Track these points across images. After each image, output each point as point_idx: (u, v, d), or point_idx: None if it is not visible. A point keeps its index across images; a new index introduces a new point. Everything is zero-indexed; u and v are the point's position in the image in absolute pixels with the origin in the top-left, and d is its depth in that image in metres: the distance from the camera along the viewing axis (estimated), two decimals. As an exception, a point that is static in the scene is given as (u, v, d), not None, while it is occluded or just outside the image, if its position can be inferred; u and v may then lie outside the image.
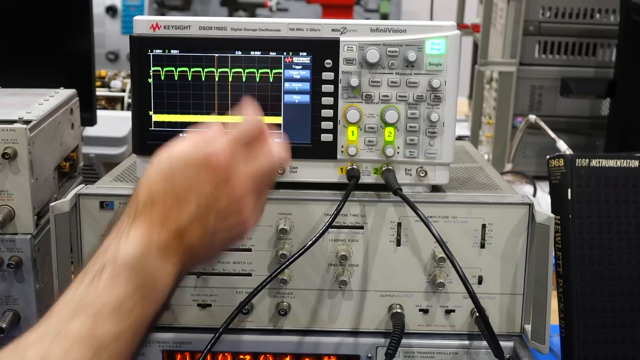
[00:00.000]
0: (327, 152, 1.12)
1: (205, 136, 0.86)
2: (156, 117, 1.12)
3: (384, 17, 4.62)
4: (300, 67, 1.10)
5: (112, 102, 2.30)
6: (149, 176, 0.84)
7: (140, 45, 1.10)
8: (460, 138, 2.04)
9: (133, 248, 0.77)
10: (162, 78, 1.11)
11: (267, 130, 0.92)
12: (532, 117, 1.93)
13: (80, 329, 0.71)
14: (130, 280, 0.75)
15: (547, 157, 1.24)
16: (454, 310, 1.15)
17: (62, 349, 0.70)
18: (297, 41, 1.10)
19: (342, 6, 4.55)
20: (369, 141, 1.12)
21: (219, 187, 0.83)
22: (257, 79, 1.11)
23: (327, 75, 1.10)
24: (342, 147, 1.12)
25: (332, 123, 1.11)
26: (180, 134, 1.12)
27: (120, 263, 0.76)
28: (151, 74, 1.10)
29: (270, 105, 1.11)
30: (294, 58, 1.10)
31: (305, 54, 1.10)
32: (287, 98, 1.11)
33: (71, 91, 1.41)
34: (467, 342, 1.14)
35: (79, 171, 1.45)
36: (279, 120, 1.12)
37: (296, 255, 1.04)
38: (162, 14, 4.23)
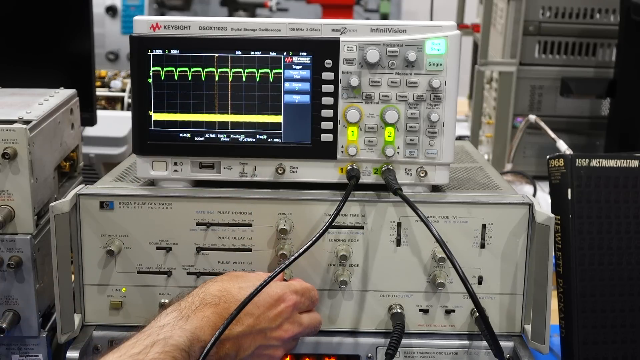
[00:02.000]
0: (327, 152, 1.12)
1: (286, 282, 1.07)
2: (156, 117, 1.12)
3: (384, 17, 4.62)
4: (300, 67, 1.10)
5: (112, 102, 2.30)
6: (221, 282, 1.01)
7: (140, 45, 1.10)
8: (460, 138, 2.04)
9: (184, 338, 0.90)
10: (162, 78, 1.11)
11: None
12: (532, 117, 1.93)
13: None
14: None
15: (547, 157, 1.24)
16: (454, 310, 1.15)
17: None
18: (297, 41, 1.10)
19: (342, 6, 4.54)
20: (369, 141, 1.12)
21: (278, 320, 1.01)
22: (257, 79, 1.11)
23: (327, 75, 1.10)
24: (342, 147, 1.12)
25: (332, 123, 1.11)
26: (180, 135, 1.12)
27: (170, 345, 0.88)
28: (151, 74, 1.10)
29: (270, 105, 1.11)
30: (294, 58, 1.10)
31: (305, 54, 1.10)
32: (287, 98, 1.11)
33: (71, 91, 1.40)
34: (467, 342, 1.14)
35: (79, 171, 1.45)
36: (279, 120, 1.12)
37: (296, 255, 1.04)
38: (162, 14, 4.23)
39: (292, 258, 1.05)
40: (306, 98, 1.11)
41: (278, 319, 1.01)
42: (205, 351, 0.92)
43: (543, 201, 1.31)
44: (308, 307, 1.07)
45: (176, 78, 1.11)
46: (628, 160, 1.21)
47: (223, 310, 0.96)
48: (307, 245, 1.05)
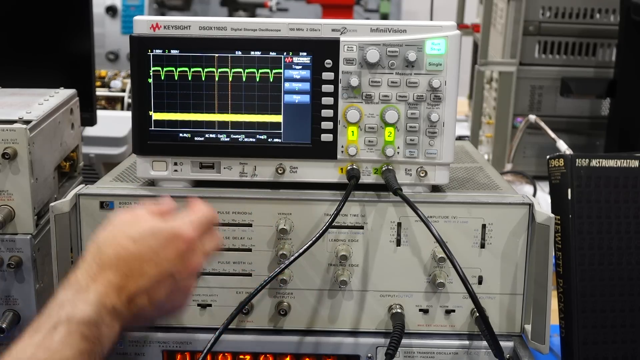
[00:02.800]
0: (327, 152, 1.12)
1: (162, 211, 0.95)
2: (156, 117, 1.12)
3: (384, 17, 4.61)
4: (300, 67, 1.10)
5: (112, 102, 2.30)
6: (111, 238, 0.90)
7: (140, 45, 1.10)
8: (460, 138, 2.04)
9: (89, 311, 0.83)
10: (162, 78, 1.11)
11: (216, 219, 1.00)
12: (532, 117, 1.93)
13: None
14: (82, 340, 0.81)
15: (547, 157, 1.24)
16: (454, 310, 1.15)
17: None
18: (297, 41, 1.10)
19: (342, 6, 4.54)
20: (369, 141, 1.12)
21: (180, 259, 0.91)
22: (257, 79, 1.11)
23: (327, 75, 1.10)
24: (342, 147, 1.12)
25: (332, 123, 1.11)
26: (180, 134, 1.12)
27: (75, 324, 0.81)
28: (151, 74, 1.10)
29: (270, 105, 1.11)
30: (294, 58, 1.10)
31: (305, 54, 1.10)
32: (287, 98, 1.11)
33: (71, 91, 1.40)
34: (467, 342, 1.14)
35: (79, 171, 1.45)
36: (279, 120, 1.12)
37: (296, 255, 1.04)
38: (162, 14, 4.23)
39: (292, 258, 1.05)
40: (306, 98, 1.11)
41: (182, 258, 0.91)
42: (204, 354, 0.91)
43: (543, 201, 1.31)
44: (210, 230, 0.98)
45: (176, 78, 1.11)
46: (628, 160, 1.21)
47: (124, 268, 0.88)
48: (307, 245, 1.05)
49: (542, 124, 1.90)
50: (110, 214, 1.11)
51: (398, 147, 1.12)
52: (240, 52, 1.10)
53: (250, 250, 1.13)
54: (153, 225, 0.91)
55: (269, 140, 1.13)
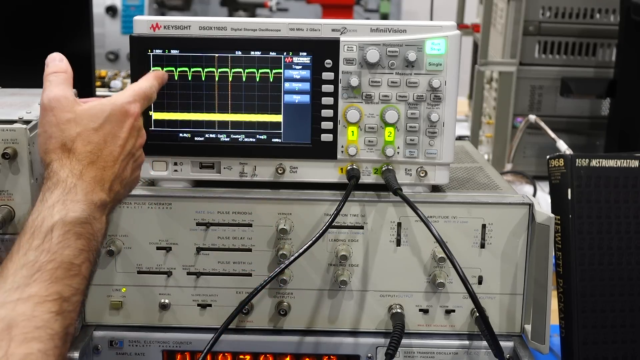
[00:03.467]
0: (327, 152, 1.12)
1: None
2: (156, 117, 1.12)
3: (384, 17, 4.61)
4: (300, 67, 1.10)
5: (112, 102, 2.30)
6: (72, 128, 0.91)
7: (140, 45, 1.10)
8: (460, 138, 2.04)
9: (80, 210, 0.86)
10: (162, 78, 1.10)
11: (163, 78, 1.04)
12: (532, 117, 1.93)
13: (41, 289, 0.78)
14: (79, 238, 0.84)
15: (547, 157, 1.24)
16: (454, 310, 1.15)
17: (27, 308, 0.76)
18: (297, 41, 1.10)
19: (342, 6, 4.54)
20: (369, 141, 1.12)
21: (134, 134, 0.95)
22: (257, 79, 1.11)
23: (327, 75, 1.10)
24: (342, 147, 1.12)
25: (332, 123, 1.11)
26: (180, 134, 1.12)
27: (69, 224, 0.84)
28: (151, 74, 1.10)
29: (270, 105, 1.11)
30: (294, 58, 1.10)
31: (305, 54, 1.10)
32: (287, 98, 1.11)
33: (71, 91, 1.40)
34: (467, 342, 1.15)
35: (79, 171, 1.45)
36: (279, 120, 1.12)
37: (296, 255, 1.04)
38: (162, 14, 4.23)
39: (292, 258, 1.05)
40: (306, 98, 1.11)
41: (134, 133, 0.95)
42: (204, 354, 0.91)
43: (543, 201, 1.31)
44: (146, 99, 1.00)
45: (176, 78, 1.11)
46: (628, 160, 1.21)
47: (100, 161, 0.90)
48: (307, 245, 1.05)
49: (542, 124, 1.90)
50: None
51: (398, 147, 1.12)
52: (240, 52, 1.10)
53: (250, 250, 1.13)
54: (102, 107, 0.93)
55: (269, 140, 1.13)
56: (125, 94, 0.96)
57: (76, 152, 0.90)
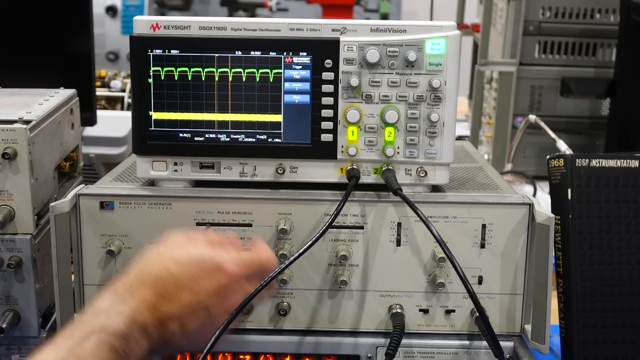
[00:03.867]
0: (327, 152, 1.12)
1: (220, 242, 0.96)
2: (156, 117, 1.12)
3: (384, 17, 4.62)
4: (300, 67, 1.10)
5: (112, 102, 2.30)
6: (157, 257, 0.92)
7: (140, 45, 1.10)
8: (460, 138, 2.04)
9: (121, 324, 0.85)
10: (162, 78, 1.11)
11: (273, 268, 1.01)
12: (532, 117, 1.93)
13: None
14: (111, 351, 0.83)
15: (547, 157, 1.24)
16: (454, 310, 1.15)
17: None
18: (297, 41, 1.10)
19: (342, 6, 4.54)
20: (369, 141, 1.12)
21: (219, 293, 0.92)
22: (257, 79, 1.11)
23: (327, 75, 1.10)
24: (342, 147, 1.12)
25: (332, 123, 1.11)
26: (180, 134, 1.12)
27: (106, 334, 0.84)
28: (151, 74, 1.10)
29: (270, 105, 1.11)
30: (294, 58, 1.10)
31: (305, 54, 1.10)
32: (287, 98, 1.11)
33: (71, 91, 1.40)
34: (467, 342, 1.14)
35: (79, 171, 1.45)
36: (279, 120, 1.12)
37: (296, 255, 1.04)
38: (162, 14, 4.23)
39: (292, 258, 1.05)
40: (306, 98, 1.11)
41: (220, 292, 0.93)
42: (204, 354, 0.90)
43: (543, 201, 1.31)
44: (260, 277, 0.99)
45: (176, 78, 1.11)
46: (628, 160, 1.21)
47: (161, 289, 0.90)
48: (307, 245, 1.05)
49: (542, 124, 1.90)
50: (110, 214, 1.12)
51: (398, 147, 1.12)
52: (240, 52, 1.10)
53: (250, 250, 1.13)
54: (200, 252, 0.93)
55: (269, 140, 1.13)
56: (232, 254, 0.94)
57: (143, 269, 0.91)
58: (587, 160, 1.20)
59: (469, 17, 2.69)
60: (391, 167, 1.13)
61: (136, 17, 1.11)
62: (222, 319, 0.94)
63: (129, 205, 1.12)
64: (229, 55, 1.10)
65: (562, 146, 1.83)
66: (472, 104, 2.34)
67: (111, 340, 0.83)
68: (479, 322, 1.11)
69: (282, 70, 1.10)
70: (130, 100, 2.16)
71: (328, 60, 1.10)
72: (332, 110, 1.11)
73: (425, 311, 1.15)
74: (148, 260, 0.93)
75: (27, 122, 1.18)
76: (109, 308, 0.87)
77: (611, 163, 1.21)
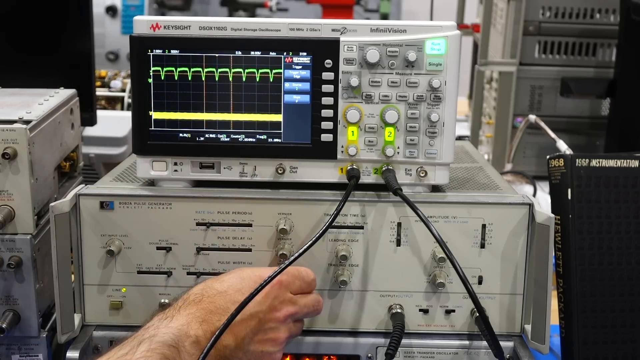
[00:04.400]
0: (327, 152, 1.12)
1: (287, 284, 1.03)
2: (156, 117, 1.12)
3: (384, 17, 4.62)
4: (300, 67, 1.10)
5: (112, 102, 2.30)
6: (220, 278, 1.01)
7: (140, 45, 1.10)
8: (460, 138, 2.04)
9: (170, 334, 0.90)
10: (162, 78, 1.11)
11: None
12: (532, 117, 1.93)
13: None
14: (162, 358, 0.87)
15: (547, 157, 1.24)
16: (454, 310, 1.15)
17: None
18: (297, 41, 1.10)
19: (342, 6, 4.54)
20: (369, 141, 1.12)
21: (265, 301, 0.99)
22: (257, 79, 1.11)
23: (327, 75, 1.10)
24: (342, 147, 1.12)
25: (332, 123, 1.11)
26: (180, 134, 1.12)
27: (156, 342, 0.88)
28: (151, 74, 1.10)
29: (270, 105, 1.11)
30: (294, 58, 1.10)
31: (305, 54, 1.10)
32: (287, 98, 1.11)
33: (71, 91, 1.40)
34: (467, 342, 1.14)
35: (79, 171, 1.45)
36: (279, 120, 1.12)
37: (296, 255, 1.04)
38: (162, 14, 4.23)
39: (292, 258, 1.05)
40: (306, 98, 1.11)
41: (266, 301, 0.99)
42: (207, 349, 0.91)
43: (543, 201, 1.31)
44: (302, 288, 1.05)
45: (176, 78, 1.11)
46: (628, 160, 1.21)
47: (207, 305, 0.96)
48: (307, 245, 1.05)
49: (542, 124, 1.90)
50: (110, 214, 1.12)
51: (398, 147, 1.12)
52: (240, 52, 1.10)
53: (250, 250, 1.13)
54: (242, 270, 1.00)
55: (269, 140, 1.13)
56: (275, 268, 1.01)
57: (189, 292, 0.98)
58: (587, 160, 1.20)
59: (469, 17, 2.69)
60: (391, 167, 1.13)
61: (136, 17, 1.11)
62: (278, 332, 1.01)
63: (129, 205, 1.12)
64: (229, 55, 1.10)
65: (562, 146, 1.83)
66: (472, 104, 2.34)
67: (161, 348, 0.87)
68: (479, 322, 1.11)
69: (282, 70, 1.10)
70: (130, 100, 2.17)
71: (328, 60, 1.10)
72: (332, 110, 1.11)
73: (425, 311, 1.15)
74: (200, 284, 1.00)
75: (27, 122, 1.18)
76: (157, 323, 0.92)
77: (611, 163, 1.21)
